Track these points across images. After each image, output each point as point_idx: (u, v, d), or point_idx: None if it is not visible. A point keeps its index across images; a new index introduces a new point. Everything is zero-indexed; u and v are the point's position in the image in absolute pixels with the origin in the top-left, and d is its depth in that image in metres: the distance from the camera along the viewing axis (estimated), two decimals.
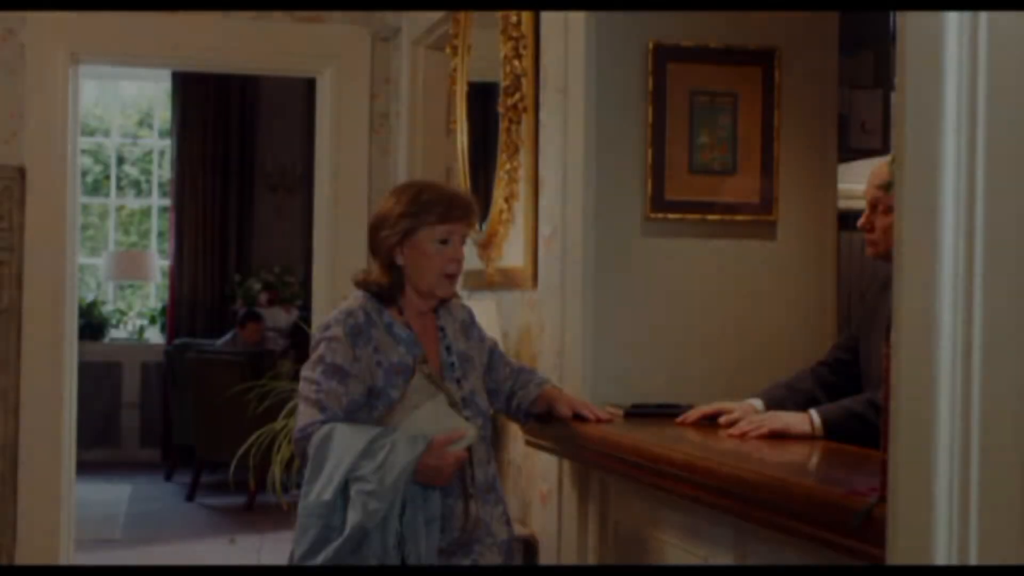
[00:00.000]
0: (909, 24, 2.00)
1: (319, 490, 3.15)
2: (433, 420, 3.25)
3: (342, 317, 3.35)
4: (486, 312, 4.47)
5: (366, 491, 3.12)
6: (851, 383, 3.55)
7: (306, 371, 3.32)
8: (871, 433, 2.97)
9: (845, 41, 4.50)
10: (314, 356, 3.32)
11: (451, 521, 3.30)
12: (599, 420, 3.58)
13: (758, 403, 3.57)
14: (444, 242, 3.38)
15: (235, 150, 11.44)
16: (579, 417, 3.60)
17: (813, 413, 3.30)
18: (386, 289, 3.40)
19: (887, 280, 3.49)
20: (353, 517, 3.11)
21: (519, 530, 4.39)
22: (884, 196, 3.37)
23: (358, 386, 3.29)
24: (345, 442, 3.16)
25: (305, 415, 3.25)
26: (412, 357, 3.34)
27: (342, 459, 3.14)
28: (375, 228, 3.43)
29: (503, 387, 3.65)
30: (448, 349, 3.46)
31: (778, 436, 3.27)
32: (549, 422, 3.65)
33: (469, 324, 3.58)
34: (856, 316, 3.69)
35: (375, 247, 3.44)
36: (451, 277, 3.43)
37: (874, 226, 3.42)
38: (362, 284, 3.43)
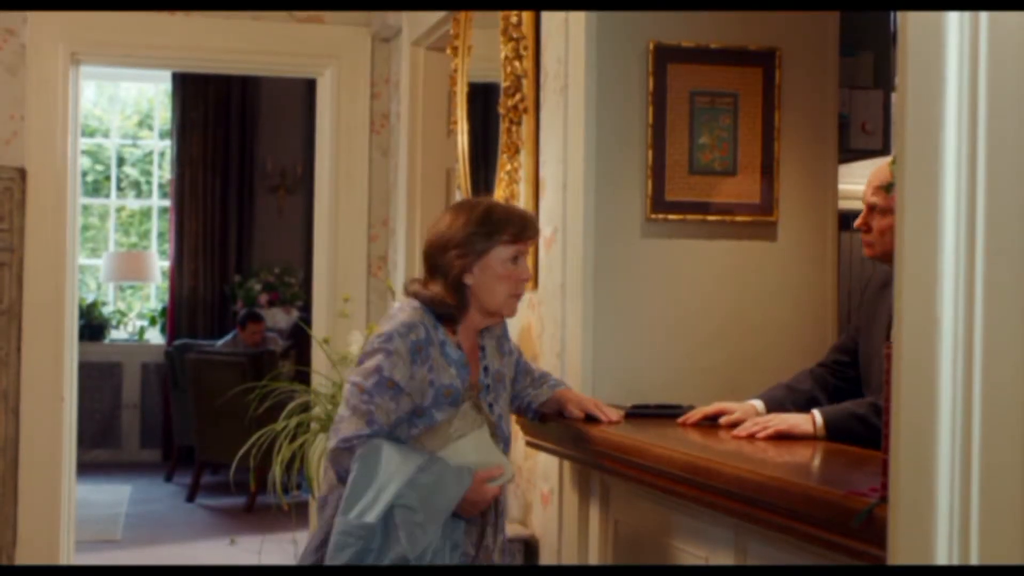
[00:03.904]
0: (910, 24, 2.00)
1: (361, 510, 3.11)
2: (476, 452, 3.25)
3: (404, 331, 3.25)
4: None
5: (416, 522, 3.11)
6: (850, 384, 3.55)
7: (357, 377, 3.23)
8: (873, 436, 2.99)
9: (845, 42, 4.50)
10: (369, 364, 3.22)
11: (463, 548, 3.31)
12: (610, 421, 3.58)
13: (759, 404, 3.57)
14: (513, 261, 3.34)
15: (235, 151, 11.43)
16: (591, 418, 3.60)
17: (816, 414, 3.30)
18: (453, 309, 3.32)
19: (885, 281, 3.50)
20: (399, 548, 3.10)
21: (520, 531, 4.40)
22: (882, 198, 3.38)
23: (407, 403, 3.23)
24: (392, 465, 3.12)
25: (351, 424, 3.18)
26: (462, 381, 3.30)
27: (388, 483, 3.11)
28: (440, 248, 3.33)
29: (523, 394, 3.67)
30: (485, 370, 3.43)
31: (783, 437, 3.28)
32: (558, 421, 3.65)
33: (502, 338, 3.54)
34: (854, 318, 3.70)
35: (439, 267, 3.33)
36: (518, 297, 3.39)
37: (871, 227, 3.43)
38: (428, 301, 3.32)
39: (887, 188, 3.30)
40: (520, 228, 3.35)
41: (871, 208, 3.43)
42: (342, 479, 3.21)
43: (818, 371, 3.65)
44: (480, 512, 3.30)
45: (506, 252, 3.32)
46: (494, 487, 3.25)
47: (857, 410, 3.27)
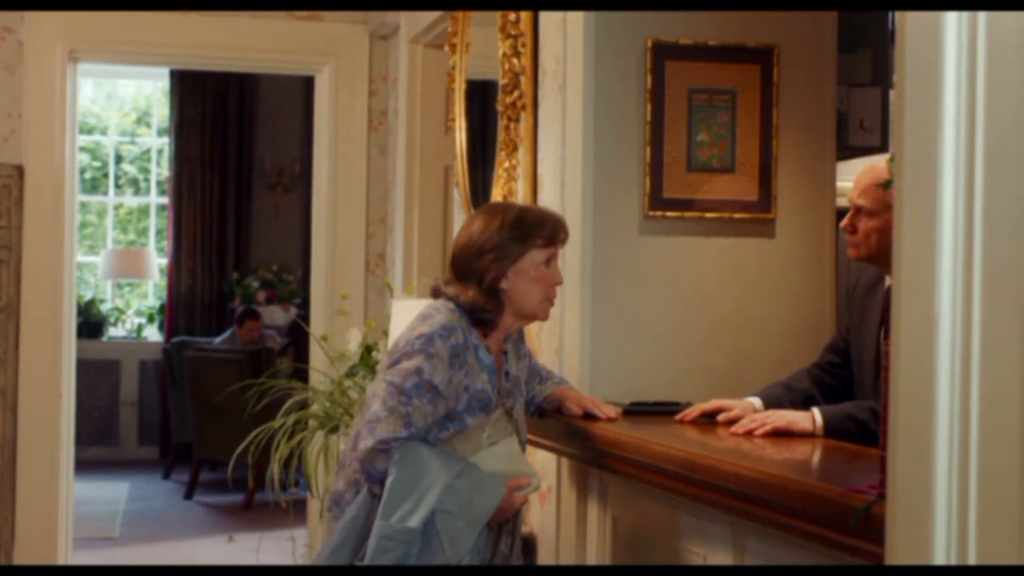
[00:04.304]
0: (908, 23, 2.00)
1: (403, 514, 3.10)
2: (507, 461, 3.25)
3: (445, 334, 3.21)
4: None
5: (457, 528, 3.12)
6: (844, 384, 3.57)
7: (394, 377, 3.18)
8: (871, 440, 3.04)
9: (844, 39, 4.50)
10: (409, 364, 3.18)
11: (482, 553, 3.31)
12: (608, 419, 3.58)
13: (757, 401, 3.57)
14: (546, 264, 3.34)
15: (233, 148, 11.43)
16: (589, 416, 3.60)
17: (816, 413, 3.30)
18: (489, 314, 3.30)
19: (873, 282, 3.52)
20: (442, 555, 3.11)
21: None
22: (868, 200, 3.39)
23: (443, 407, 3.21)
24: (432, 471, 3.12)
25: (388, 426, 3.14)
26: (492, 386, 3.30)
27: (429, 488, 3.10)
28: (474, 253, 3.31)
29: (529, 392, 3.67)
30: (507, 375, 3.42)
31: (781, 434, 3.28)
32: (556, 418, 3.65)
33: (519, 342, 3.54)
34: (844, 318, 3.71)
35: (473, 272, 3.30)
36: (552, 300, 3.39)
37: (857, 228, 3.45)
38: (467, 306, 3.29)
39: (885, 185, 3.30)
40: (553, 231, 3.35)
41: (858, 210, 3.44)
42: (374, 480, 3.18)
43: (814, 371, 3.67)
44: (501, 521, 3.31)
45: (540, 256, 3.32)
46: (522, 496, 3.26)
47: (858, 414, 3.27)
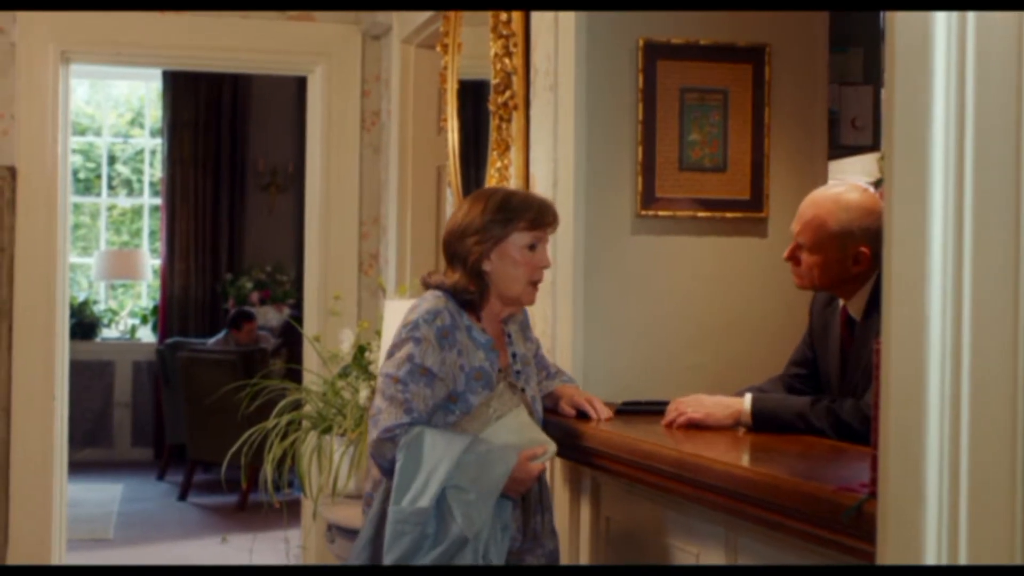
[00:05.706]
0: (898, 22, 2.00)
1: (414, 496, 3.12)
2: (516, 431, 3.26)
3: (430, 318, 3.26)
4: None
5: (468, 501, 3.12)
6: (814, 393, 3.56)
7: (389, 368, 3.24)
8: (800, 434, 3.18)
9: (835, 38, 4.51)
10: (400, 353, 3.25)
11: (511, 530, 3.31)
12: (599, 419, 3.58)
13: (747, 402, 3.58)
14: (531, 248, 3.36)
15: (226, 149, 11.42)
16: (583, 415, 3.60)
17: (747, 400, 3.37)
18: (473, 296, 3.34)
19: (829, 298, 3.53)
20: (456, 528, 3.12)
21: None
22: (807, 237, 3.39)
23: (442, 389, 3.25)
24: (438, 449, 3.14)
25: (390, 415, 3.19)
26: (491, 364, 3.32)
27: (437, 467, 3.12)
28: (459, 236, 3.35)
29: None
30: (514, 356, 3.45)
31: (698, 426, 3.39)
32: (550, 417, 3.65)
33: (525, 326, 3.56)
34: (807, 332, 3.71)
35: (458, 254, 3.35)
36: (536, 284, 3.41)
37: (799, 260, 3.45)
38: (448, 289, 3.34)
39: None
40: (538, 215, 3.36)
41: (799, 244, 3.44)
42: (386, 471, 3.23)
43: (786, 379, 3.69)
44: (523, 494, 3.31)
45: (524, 239, 3.34)
46: (538, 464, 3.27)
47: (784, 415, 3.31)
